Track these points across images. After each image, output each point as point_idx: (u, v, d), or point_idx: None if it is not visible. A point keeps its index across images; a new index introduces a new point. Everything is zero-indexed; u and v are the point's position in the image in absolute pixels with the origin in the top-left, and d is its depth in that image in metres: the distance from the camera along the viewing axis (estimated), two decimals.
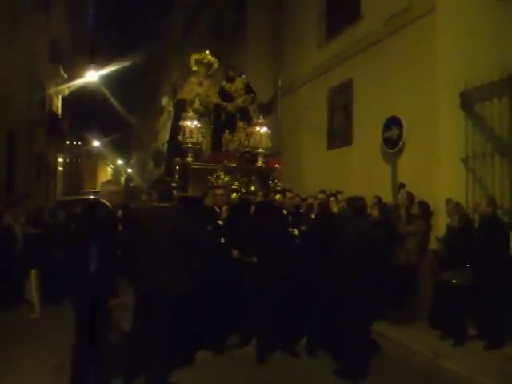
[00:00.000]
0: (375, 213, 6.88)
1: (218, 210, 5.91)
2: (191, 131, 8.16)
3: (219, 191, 6.13)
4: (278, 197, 6.24)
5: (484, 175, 7.07)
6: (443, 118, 7.32)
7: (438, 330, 6.02)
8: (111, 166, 48.57)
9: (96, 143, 35.65)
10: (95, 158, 39.35)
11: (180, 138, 8.20)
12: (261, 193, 7.66)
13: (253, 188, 8.24)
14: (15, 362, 5.13)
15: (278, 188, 7.57)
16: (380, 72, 8.70)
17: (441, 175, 7.24)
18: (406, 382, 4.84)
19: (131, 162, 48.98)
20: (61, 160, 24.58)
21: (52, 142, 20.82)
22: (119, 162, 49.43)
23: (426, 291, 6.54)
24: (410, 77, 7.86)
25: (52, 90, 20.57)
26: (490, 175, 6.97)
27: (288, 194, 6.07)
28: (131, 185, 39.31)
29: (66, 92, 22.67)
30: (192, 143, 8.14)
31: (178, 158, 8.18)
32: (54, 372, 4.76)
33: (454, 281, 5.75)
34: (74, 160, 31.54)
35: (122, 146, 45.50)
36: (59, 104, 22.96)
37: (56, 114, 21.68)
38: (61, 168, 24.56)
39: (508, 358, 5.15)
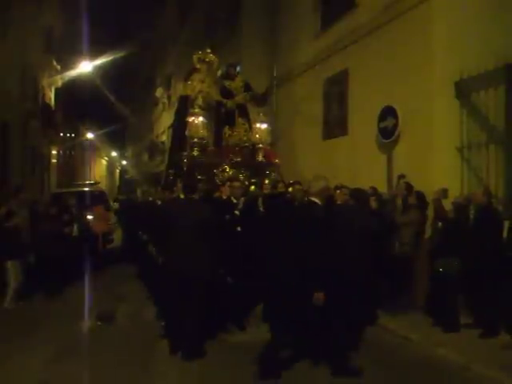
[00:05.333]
0: (374, 204, 6.88)
1: (235, 201, 6.22)
2: (197, 127, 8.52)
3: (236, 184, 6.47)
4: (290, 189, 6.55)
5: (479, 165, 7.08)
6: (439, 107, 7.32)
7: (432, 318, 6.07)
8: (106, 158, 48.29)
9: (90, 135, 35.32)
10: (89, 150, 39.07)
11: (187, 133, 8.62)
12: (269, 186, 8.03)
13: (266, 181, 8.55)
14: (10, 354, 5.15)
15: (291, 181, 7.78)
16: (376, 62, 8.67)
17: (436, 165, 7.25)
18: (402, 371, 4.86)
19: (126, 154, 48.76)
20: (54, 152, 24.37)
21: (46, 134, 20.60)
22: (114, 154, 49.15)
23: (421, 281, 6.57)
24: (406, 66, 7.84)
25: (45, 82, 20.33)
26: (485, 165, 6.99)
27: (297, 186, 6.32)
28: (126, 177, 39.16)
29: (60, 83, 22.42)
30: (198, 138, 8.50)
31: (184, 153, 8.54)
32: (49, 363, 4.92)
33: (440, 269, 5.88)
34: (68, 152, 31.24)
35: (116, 138, 45.32)
36: (52, 96, 22.73)
37: (49, 106, 21.43)
38: (55, 160, 24.37)
39: (502, 347, 5.20)
